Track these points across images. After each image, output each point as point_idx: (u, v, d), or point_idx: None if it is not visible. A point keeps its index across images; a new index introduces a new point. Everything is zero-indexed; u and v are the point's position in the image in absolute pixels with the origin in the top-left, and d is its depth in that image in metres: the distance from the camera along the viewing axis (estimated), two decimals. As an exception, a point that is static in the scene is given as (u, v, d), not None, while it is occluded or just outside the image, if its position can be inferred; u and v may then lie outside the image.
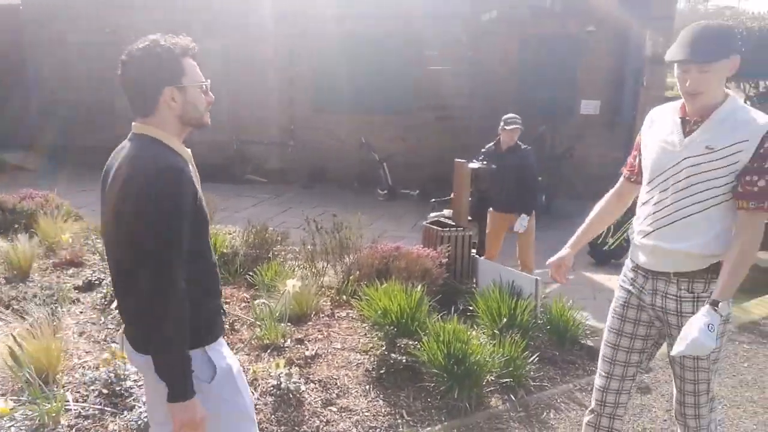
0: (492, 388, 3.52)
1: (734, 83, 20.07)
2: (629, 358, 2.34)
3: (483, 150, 5.34)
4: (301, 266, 5.13)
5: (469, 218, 5.15)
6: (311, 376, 3.52)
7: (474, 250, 5.05)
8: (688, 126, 2.12)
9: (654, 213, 2.18)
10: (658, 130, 2.21)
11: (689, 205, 2.09)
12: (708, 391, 2.26)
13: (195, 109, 1.80)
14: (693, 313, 2.12)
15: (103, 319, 4.16)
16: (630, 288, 2.33)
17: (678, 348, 2.00)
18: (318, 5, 11.43)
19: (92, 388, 3.15)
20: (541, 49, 9.94)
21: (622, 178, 2.47)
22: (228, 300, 4.69)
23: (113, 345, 3.59)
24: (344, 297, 4.60)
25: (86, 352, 3.72)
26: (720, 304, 2.00)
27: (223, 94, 12.75)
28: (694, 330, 1.96)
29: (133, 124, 1.79)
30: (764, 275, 5.89)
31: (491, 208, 5.38)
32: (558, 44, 9.71)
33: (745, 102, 20.07)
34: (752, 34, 17.78)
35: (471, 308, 4.23)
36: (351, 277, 4.67)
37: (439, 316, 3.96)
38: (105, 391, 3.11)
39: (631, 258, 2.35)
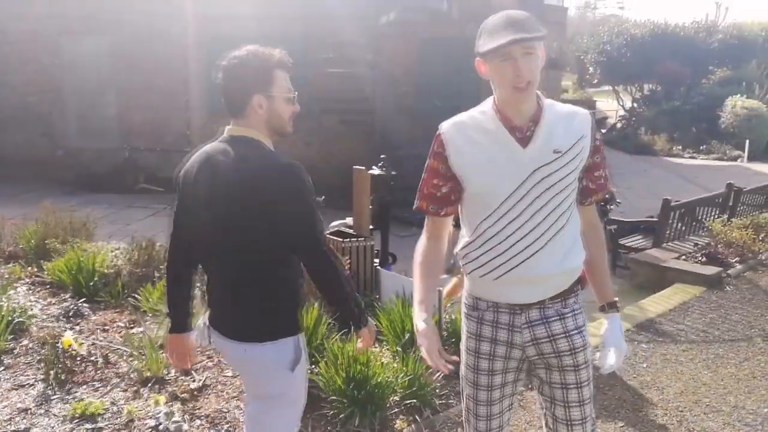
0: (397, 410, 3.32)
1: (621, 87, 21.31)
2: (503, 405, 2.06)
3: None
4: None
5: (372, 227, 4.95)
6: (198, 411, 3.17)
7: (377, 261, 4.85)
8: (520, 133, 1.82)
9: (519, 241, 1.84)
10: (476, 148, 1.84)
11: (556, 220, 1.85)
12: (592, 410, 2.07)
13: (279, 117, 2.00)
14: (577, 327, 1.94)
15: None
16: (492, 335, 1.95)
17: (610, 364, 1.98)
18: (214, 5, 10.92)
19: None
20: (440, 53, 9.96)
21: (431, 218, 1.97)
22: (107, 326, 4.24)
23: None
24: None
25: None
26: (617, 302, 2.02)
27: (110, 96, 11.91)
28: (617, 339, 2.00)
29: (227, 128, 2.01)
30: (658, 273, 6.11)
31: None
32: (457, 48, 9.75)
33: (632, 104, 21.32)
34: (635, 41, 18.98)
35: (375, 324, 4.01)
36: (246, 295, 4.34)
37: (339, 335, 3.71)
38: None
39: (479, 298, 1.97)
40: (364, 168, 4.79)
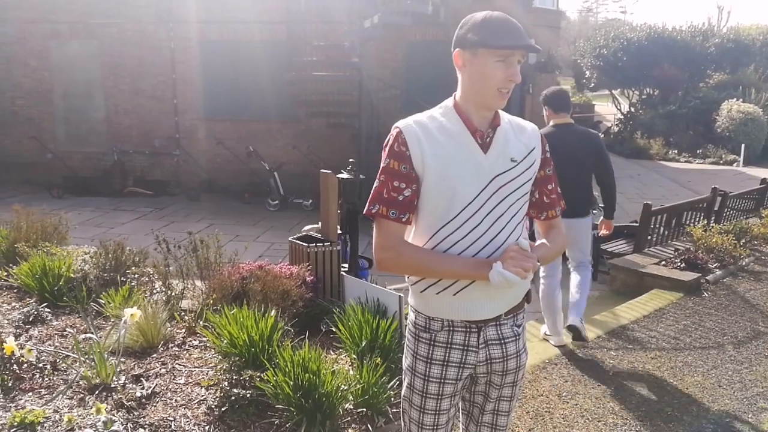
0: (349, 419, 3.26)
1: (619, 90, 21.20)
2: (447, 427, 1.99)
3: None
4: (159, 290, 4.67)
5: (340, 232, 4.88)
6: (142, 420, 3.10)
7: (345, 266, 4.79)
8: (480, 138, 1.76)
9: (481, 250, 1.77)
10: (440, 149, 1.74)
11: (512, 231, 1.80)
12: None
13: None
14: (524, 345, 1.94)
15: None
16: (445, 357, 1.85)
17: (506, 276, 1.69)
18: (200, 10, 10.90)
19: None
20: (427, 56, 9.92)
21: (391, 225, 1.76)
22: (66, 331, 4.18)
23: None
24: (201, 323, 4.19)
25: None
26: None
27: (99, 99, 11.90)
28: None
29: (557, 122, 4.29)
30: (637, 278, 6.03)
31: None
32: (444, 51, 9.70)
33: (629, 108, 21.16)
34: (631, 44, 18.89)
35: (335, 330, 3.95)
36: (209, 301, 4.28)
37: (294, 342, 3.65)
38: None
39: (432, 318, 1.85)
40: (331, 172, 4.74)
